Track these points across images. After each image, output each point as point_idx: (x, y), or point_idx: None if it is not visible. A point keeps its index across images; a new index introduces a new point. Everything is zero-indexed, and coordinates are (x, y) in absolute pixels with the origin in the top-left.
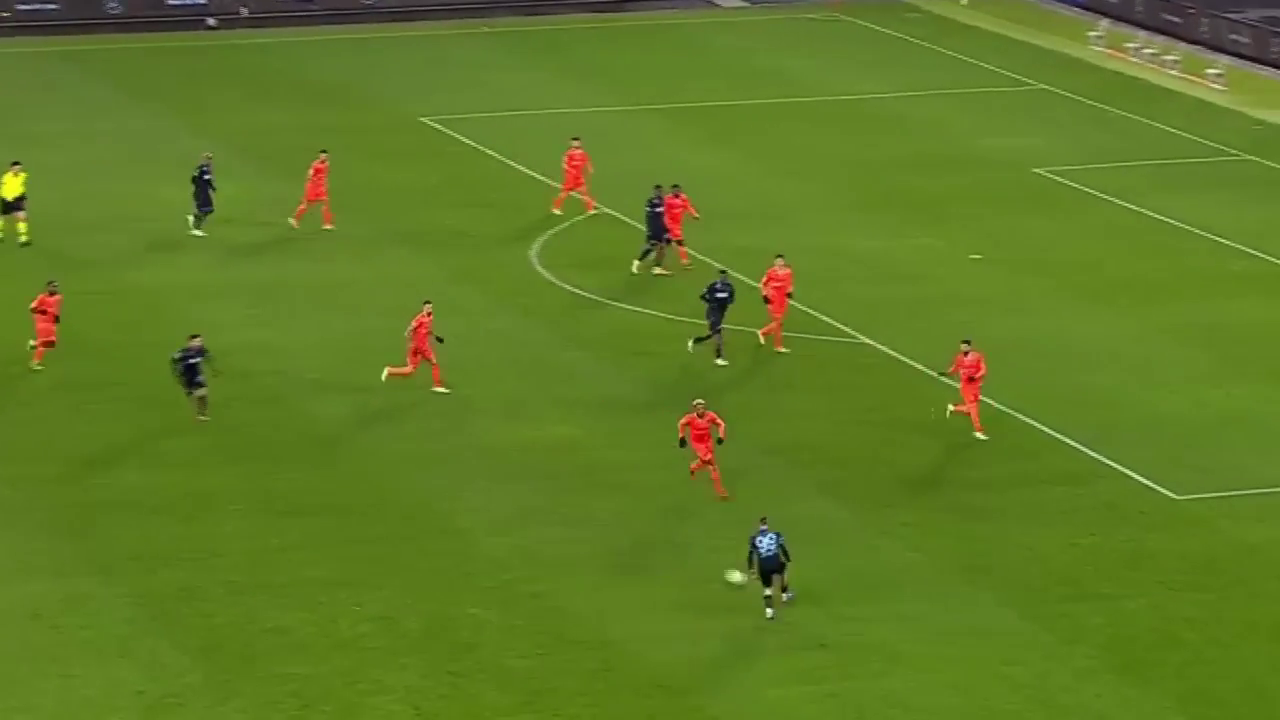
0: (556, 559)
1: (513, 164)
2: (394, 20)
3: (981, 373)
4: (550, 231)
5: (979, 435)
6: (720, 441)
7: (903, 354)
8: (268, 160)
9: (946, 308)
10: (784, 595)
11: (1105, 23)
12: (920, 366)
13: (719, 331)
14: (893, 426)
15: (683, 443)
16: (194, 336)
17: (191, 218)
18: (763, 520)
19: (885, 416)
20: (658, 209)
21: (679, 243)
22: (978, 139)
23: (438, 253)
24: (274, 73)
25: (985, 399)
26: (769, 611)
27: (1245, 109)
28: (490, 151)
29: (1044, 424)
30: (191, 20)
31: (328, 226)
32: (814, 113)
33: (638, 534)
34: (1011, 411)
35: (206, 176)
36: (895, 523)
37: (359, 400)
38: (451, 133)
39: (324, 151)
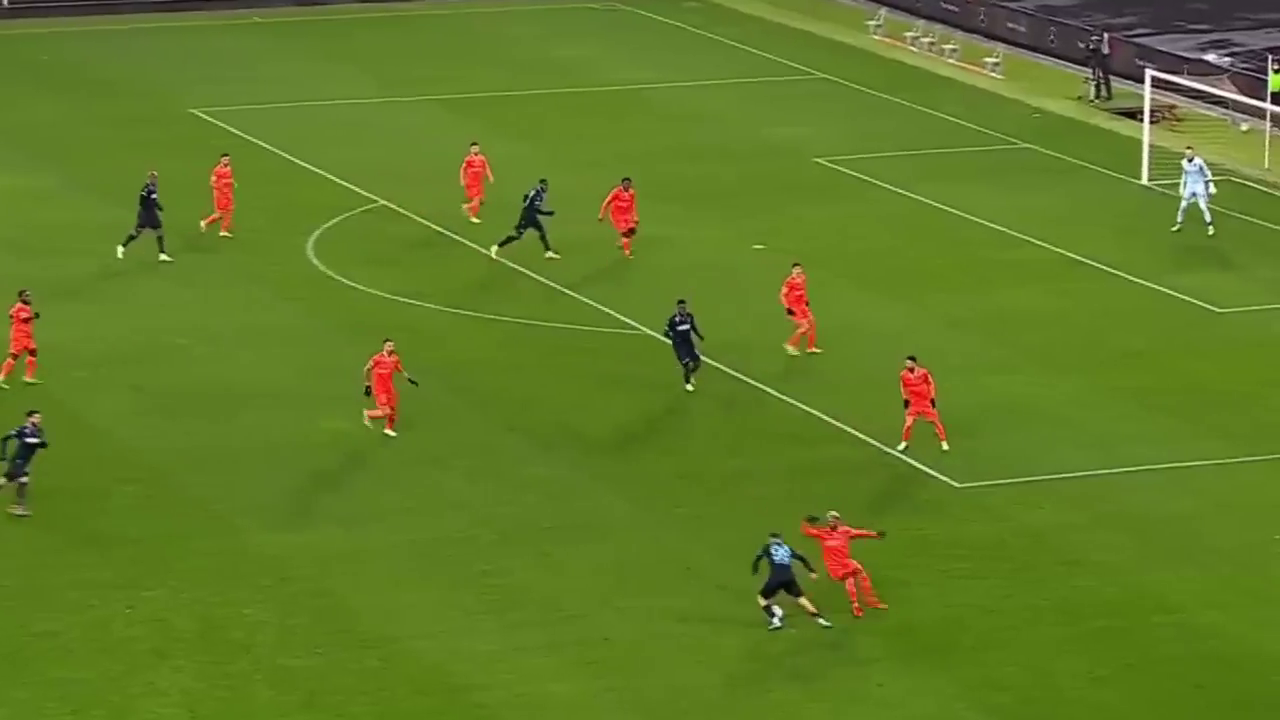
0: (335, 556)
1: (287, 156)
2: (161, 10)
3: (931, 389)
4: (325, 225)
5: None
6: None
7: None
8: (37, 152)
9: (730, 298)
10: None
11: (884, 11)
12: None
13: (697, 359)
14: (672, 418)
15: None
16: (32, 413)
17: (157, 243)
18: (774, 535)
19: (665, 407)
20: (536, 203)
21: (631, 232)
22: (758, 128)
23: (211, 247)
24: (41, 64)
25: (762, 385)
26: (775, 621)
27: (1022, 97)
28: (263, 144)
29: (823, 412)
30: None
31: (218, 231)
32: (595, 103)
33: (418, 529)
34: (791, 400)
35: (153, 195)
36: (674, 516)
37: (129, 399)
38: (223, 125)
39: (225, 155)
